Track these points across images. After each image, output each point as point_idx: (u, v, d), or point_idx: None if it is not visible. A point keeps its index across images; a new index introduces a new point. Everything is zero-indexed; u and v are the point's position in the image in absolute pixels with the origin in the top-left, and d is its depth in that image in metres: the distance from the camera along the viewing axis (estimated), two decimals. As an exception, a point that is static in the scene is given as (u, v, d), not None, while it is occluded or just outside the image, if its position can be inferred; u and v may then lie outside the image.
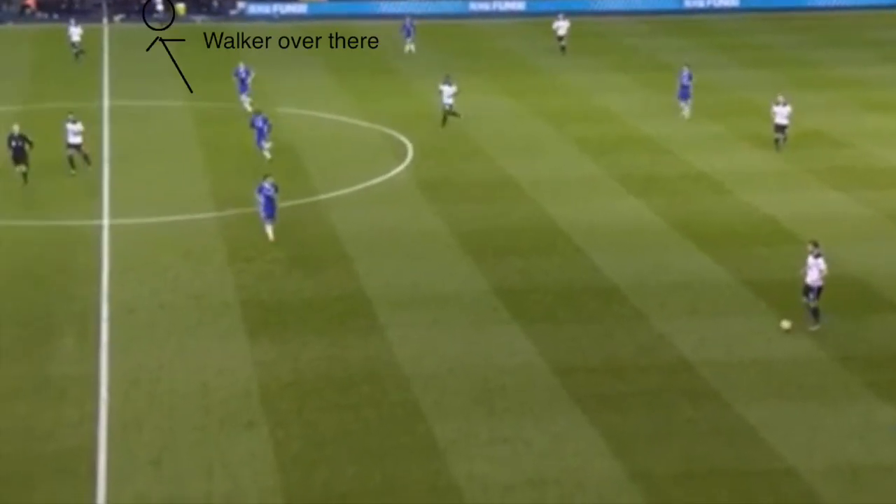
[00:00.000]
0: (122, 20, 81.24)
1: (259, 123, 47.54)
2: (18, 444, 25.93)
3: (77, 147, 45.74)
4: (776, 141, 49.19)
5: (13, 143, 43.89)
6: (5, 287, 34.77)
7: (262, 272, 36.09)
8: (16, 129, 44.32)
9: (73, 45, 68.39)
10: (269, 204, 37.76)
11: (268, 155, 47.03)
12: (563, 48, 70.72)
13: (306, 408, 27.66)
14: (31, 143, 44.02)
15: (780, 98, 49.31)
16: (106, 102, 58.05)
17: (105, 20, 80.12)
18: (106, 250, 37.87)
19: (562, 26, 71.17)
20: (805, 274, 31.76)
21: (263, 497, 23.97)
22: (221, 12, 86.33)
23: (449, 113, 52.74)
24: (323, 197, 43.48)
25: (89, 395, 28.11)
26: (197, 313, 33.02)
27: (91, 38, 74.32)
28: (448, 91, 52.70)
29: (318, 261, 37.02)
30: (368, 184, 44.73)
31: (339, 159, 48.27)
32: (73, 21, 69.86)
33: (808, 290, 31.72)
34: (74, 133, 45.69)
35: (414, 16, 74.95)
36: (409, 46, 71.61)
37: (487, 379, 29.22)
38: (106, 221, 40.70)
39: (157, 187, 44.55)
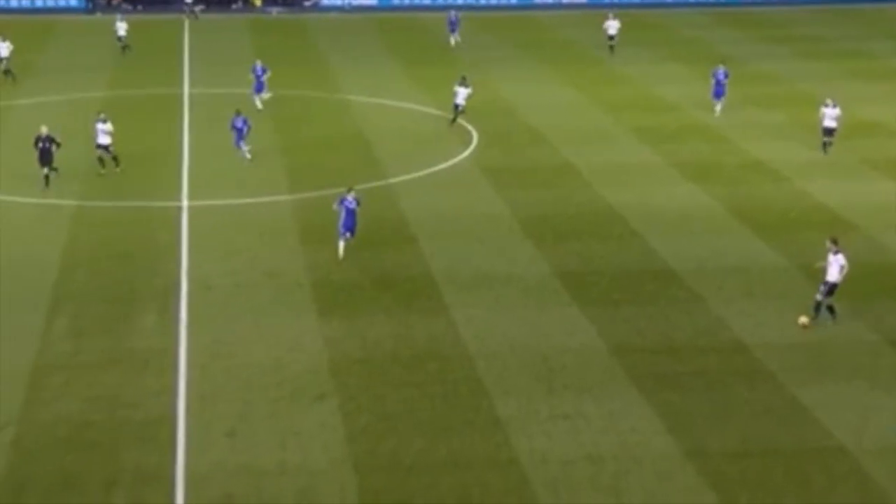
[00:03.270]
0: (202, 11, 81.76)
1: (239, 125, 45.91)
2: (105, 412, 26.28)
3: (105, 148, 43.44)
4: (824, 145, 46.98)
5: (40, 145, 41.80)
6: (94, 264, 35.20)
7: (333, 253, 36.23)
8: (44, 130, 42.19)
9: (119, 38, 67.28)
10: (350, 217, 34.95)
11: (248, 156, 45.76)
12: (612, 48, 67.19)
13: (374, 383, 27.78)
14: (58, 145, 42.05)
15: (829, 101, 47.29)
16: (186, 90, 58.51)
17: (186, 10, 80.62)
18: (185, 230, 38.22)
19: (612, 25, 67.60)
20: (825, 270, 30.70)
21: (333, 466, 24.12)
22: (295, 3, 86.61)
23: (458, 113, 50.29)
24: (392, 181, 43.56)
25: (169, 368, 28.42)
26: (271, 291, 33.24)
27: (172, 29, 75.13)
28: (463, 93, 50.10)
29: (386, 242, 37.12)
30: (435, 169, 44.74)
31: (407, 145, 48.32)
32: (119, 16, 69.16)
33: (830, 287, 30.61)
34: (104, 133, 43.43)
35: (459, 8, 74.54)
36: (455, 39, 70.48)
37: (547, 358, 29.17)
38: (186, 203, 41.06)
39: (234, 171, 44.83)
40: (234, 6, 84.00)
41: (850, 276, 30.93)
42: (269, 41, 71.96)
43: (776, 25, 80.00)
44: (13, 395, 26.87)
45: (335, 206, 35.06)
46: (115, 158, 43.65)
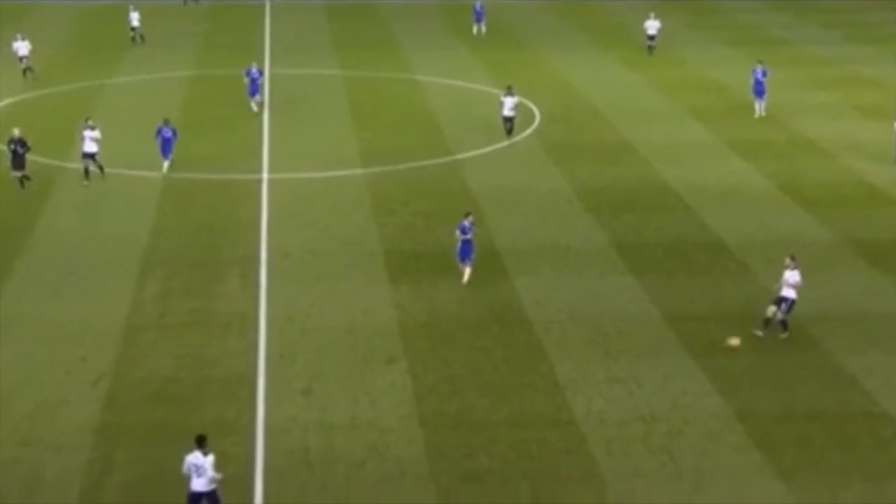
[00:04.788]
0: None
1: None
2: (190, 369, 26.59)
3: (92, 157, 39.09)
4: None
5: (11, 147, 38.41)
6: (181, 233, 35.54)
7: (404, 224, 36.31)
8: (16, 132, 38.65)
9: (132, 29, 64.55)
10: (466, 246, 31.24)
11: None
12: (650, 48, 62.12)
13: (441, 346, 27.82)
14: (28, 148, 38.54)
15: None
16: (267, 69, 58.74)
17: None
18: (265, 201, 38.46)
19: (652, 26, 62.34)
20: (780, 287, 28.00)
21: (402, 423, 24.22)
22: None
23: (509, 129, 44.97)
24: (458, 157, 43.49)
25: (250, 329, 28.66)
26: (344, 259, 33.38)
27: (254, 12, 75.40)
28: (509, 103, 44.85)
29: (453, 215, 36.89)
30: (498, 146, 44.57)
31: (473, 123, 48.15)
32: (132, 7, 65.60)
33: (780, 300, 27.92)
34: (91, 140, 39.02)
35: None
36: (479, 28, 68.41)
37: (604, 324, 29.04)
38: (265, 176, 41.30)
39: (311, 146, 45.01)
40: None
41: (892, 250, 30.34)
42: (344, 24, 72.02)
43: (828, 11, 78.51)
44: (107, 352, 27.28)
45: (456, 234, 31.34)
46: (100, 168, 39.56)
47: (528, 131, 47.04)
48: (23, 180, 38.66)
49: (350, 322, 29.07)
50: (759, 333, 27.85)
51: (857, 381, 26.09)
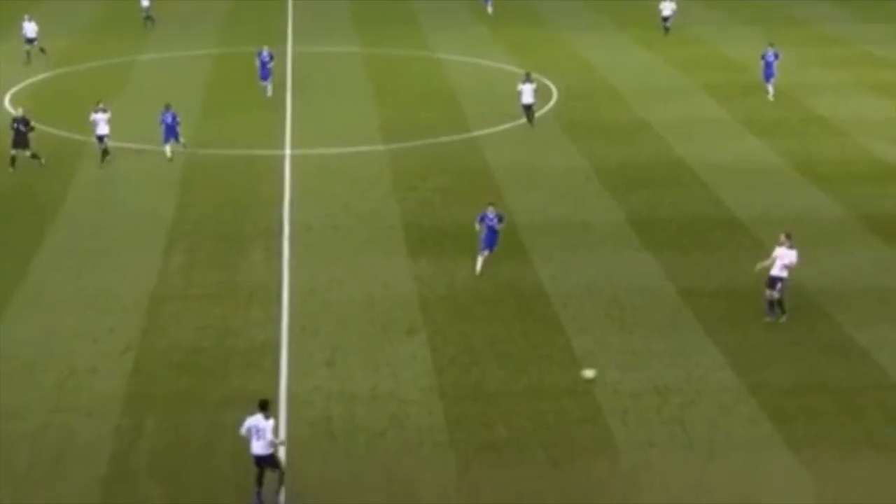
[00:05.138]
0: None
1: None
2: (215, 340, 26.72)
3: (101, 138, 38.66)
4: None
5: (14, 126, 38.21)
6: (205, 206, 35.65)
7: (423, 199, 36.33)
8: (19, 111, 38.80)
9: (142, 9, 63.46)
10: (491, 235, 30.15)
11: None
12: (666, 29, 61.66)
13: (459, 319, 27.88)
14: (32, 128, 38.40)
15: None
16: (290, 47, 58.76)
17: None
18: (287, 176, 38.51)
19: (667, 6, 61.92)
20: (771, 265, 27.28)
21: (422, 394, 24.31)
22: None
23: (529, 116, 43.74)
24: (476, 134, 43.43)
25: (273, 301, 28.77)
26: (365, 233, 33.43)
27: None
28: (528, 90, 43.37)
29: (471, 191, 37.06)
30: (517, 123, 44.44)
31: (491, 100, 48.02)
32: None
33: (773, 280, 27.23)
34: (104, 122, 38.68)
35: None
36: (488, 6, 67.93)
37: (619, 298, 29.04)
38: (288, 151, 41.34)
39: (333, 123, 45.00)
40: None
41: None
42: (366, 3, 71.79)
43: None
44: (134, 323, 27.45)
45: (477, 225, 30.43)
46: (105, 151, 38.90)
47: (546, 109, 46.90)
48: (14, 160, 37.94)
49: (370, 295, 29.14)
50: (769, 319, 27.48)
51: (868, 355, 26.05)
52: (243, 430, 20.46)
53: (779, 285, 27.25)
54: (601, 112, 46.74)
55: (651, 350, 26.25)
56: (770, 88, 48.30)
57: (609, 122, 45.10)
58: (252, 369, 25.28)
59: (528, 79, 43.68)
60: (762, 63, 48.88)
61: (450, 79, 52.19)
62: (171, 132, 39.45)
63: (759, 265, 27.91)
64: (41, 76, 52.18)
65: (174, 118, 39.50)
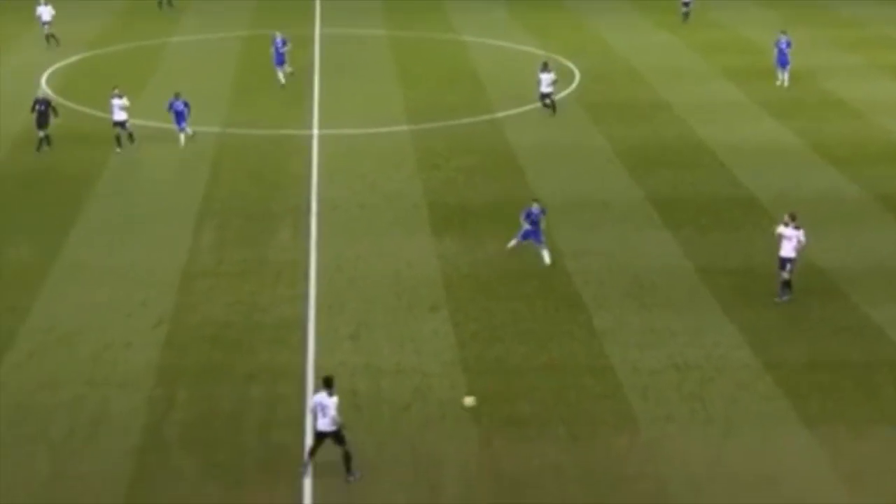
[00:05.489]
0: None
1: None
2: (244, 315, 26.82)
3: (122, 124, 38.38)
4: None
5: (37, 107, 38.07)
6: (235, 185, 35.75)
7: (447, 178, 36.30)
8: (40, 93, 38.88)
9: None
10: (535, 230, 29.34)
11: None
12: (685, 15, 60.44)
13: (482, 296, 27.87)
14: (54, 109, 38.37)
15: None
16: (317, 30, 58.69)
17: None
18: (315, 156, 38.54)
19: None
20: (780, 246, 27.02)
21: (445, 368, 24.35)
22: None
23: (547, 105, 42.64)
24: (499, 115, 43.32)
25: (300, 278, 28.84)
26: (390, 212, 33.44)
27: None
28: (547, 79, 42.29)
29: (494, 170, 37.03)
30: (539, 104, 44.30)
31: (514, 82, 47.87)
32: None
33: (783, 262, 27.01)
34: (120, 108, 38.35)
35: None
36: None
37: (639, 276, 28.97)
38: (315, 132, 41.36)
39: (359, 104, 44.96)
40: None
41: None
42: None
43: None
44: (166, 299, 27.59)
45: (522, 220, 29.46)
46: (130, 135, 38.73)
47: (568, 90, 46.72)
48: (42, 141, 37.94)
49: (395, 272, 29.17)
50: (784, 299, 27.18)
51: (883, 333, 25.90)
52: (310, 408, 20.50)
53: (788, 266, 27.07)
54: (622, 94, 46.53)
55: (670, 328, 26.18)
56: (784, 76, 47.47)
57: (630, 104, 44.90)
58: (280, 344, 25.37)
59: (545, 68, 42.82)
60: (776, 50, 48.19)
61: (473, 61, 52.04)
62: (182, 119, 38.91)
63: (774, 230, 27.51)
64: (74, 58, 52.31)
65: (186, 105, 38.94)
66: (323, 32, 57.91)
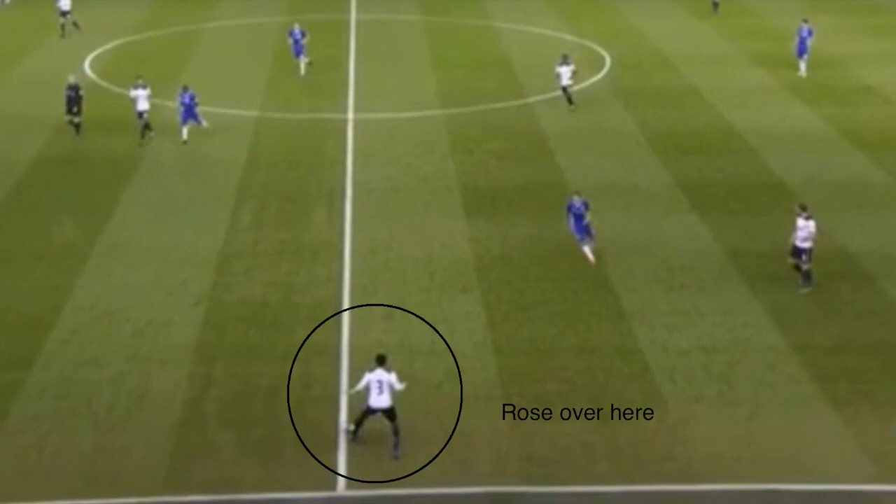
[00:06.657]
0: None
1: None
2: (281, 295, 26.91)
3: (142, 114, 37.61)
4: None
5: (68, 93, 37.75)
6: (272, 167, 35.82)
7: (479, 162, 36.21)
8: (71, 78, 38.26)
9: None
10: (579, 224, 28.50)
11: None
12: (715, 5, 59.56)
13: (513, 278, 27.82)
14: (81, 95, 37.89)
15: None
16: (353, 16, 58.62)
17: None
18: (350, 140, 38.55)
19: None
20: (795, 237, 26.70)
21: (476, 349, 24.34)
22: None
23: (568, 97, 41.48)
24: (531, 100, 43.15)
25: (335, 259, 28.88)
26: (424, 195, 33.40)
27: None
28: (566, 72, 41.33)
29: (526, 154, 36.91)
30: (571, 90, 44.03)
31: (546, 67, 47.48)
32: None
33: (798, 252, 26.59)
34: (144, 98, 37.66)
35: None
36: None
37: (668, 259, 28.81)
38: (351, 116, 41.35)
39: (393, 88, 44.90)
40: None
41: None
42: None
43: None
44: (205, 278, 27.72)
45: (565, 215, 29.05)
46: (147, 126, 37.68)
47: (599, 76, 46.47)
48: (77, 126, 37.83)
49: (428, 253, 29.15)
50: (807, 290, 26.71)
51: (910, 317, 25.68)
52: (360, 387, 20.54)
53: (804, 256, 26.69)
54: (652, 79, 46.22)
55: (698, 310, 26.04)
56: (802, 65, 46.49)
57: (660, 89, 44.60)
58: (316, 323, 25.42)
59: (565, 61, 41.79)
60: (797, 39, 47.23)
61: (506, 47, 51.83)
62: (189, 113, 37.70)
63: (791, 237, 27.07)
64: (113, 43, 52.51)
65: (192, 98, 37.75)
66: (359, 18, 57.81)
